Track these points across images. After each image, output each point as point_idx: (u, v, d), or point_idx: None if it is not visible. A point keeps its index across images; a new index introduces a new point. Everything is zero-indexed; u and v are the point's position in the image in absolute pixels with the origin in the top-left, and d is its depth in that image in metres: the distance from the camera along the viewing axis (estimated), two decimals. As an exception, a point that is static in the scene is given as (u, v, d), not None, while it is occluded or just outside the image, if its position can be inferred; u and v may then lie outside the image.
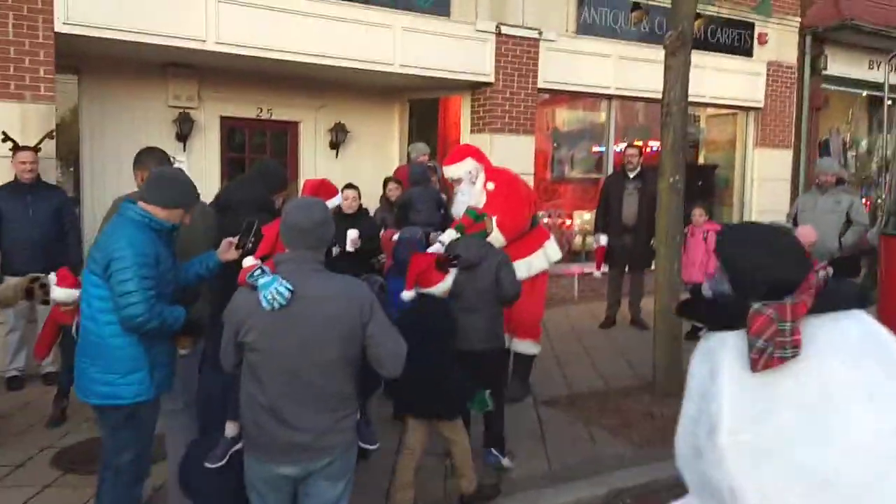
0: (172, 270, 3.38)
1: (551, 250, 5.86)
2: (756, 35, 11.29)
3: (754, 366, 1.91)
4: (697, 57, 10.67)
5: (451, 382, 4.01)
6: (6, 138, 7.17)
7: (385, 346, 2.83)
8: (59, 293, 4.00)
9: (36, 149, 5.97)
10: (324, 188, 5.32)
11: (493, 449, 4.74)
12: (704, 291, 7.11)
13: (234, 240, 3.56)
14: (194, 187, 3.48)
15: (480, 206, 5.54)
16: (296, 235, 2.80)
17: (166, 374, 3.41)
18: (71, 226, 6.02)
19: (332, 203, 5.25)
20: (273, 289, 2.66)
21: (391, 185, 7.15)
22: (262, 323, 2.71)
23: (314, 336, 2.71)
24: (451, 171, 5.61)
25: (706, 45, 10.77)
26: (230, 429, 3.13)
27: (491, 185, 5.58)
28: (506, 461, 4.72)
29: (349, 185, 6.21)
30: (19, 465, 4.61)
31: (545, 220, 10.24)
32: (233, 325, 2.79)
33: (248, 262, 3.04)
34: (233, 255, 3.53)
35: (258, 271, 2.73)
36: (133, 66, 8.08)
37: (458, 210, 5.59)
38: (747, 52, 11.27)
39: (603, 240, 8.43)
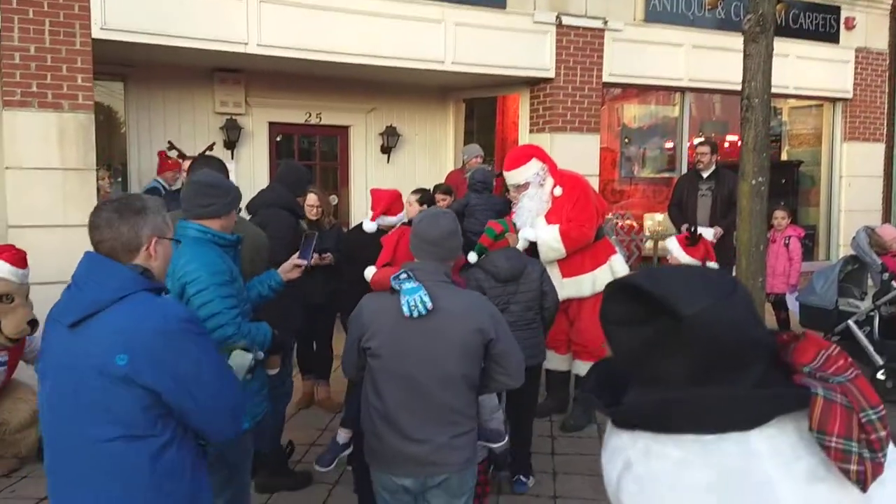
0: (245, 288, 3.12)
1: (618, 265, 5.30)
2: (843, 20, 10.34)
3: (865, 482, 1.10)
4: (779, 44, 9.79)
5: None
6: (172, 147, 7.06)
7: (513, 358, 2.80)
8: None
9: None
10: (398, 202, 4.95)
11: (521, 476, 4.29)
12: (789, 304, 6.28)
13: (298, 259, 3.42)
14: (234, 186, 3.17)
15: (545, 211, 5.03)
16: (426, 246, 2.79)
17: (259, 402, 3.08)
18: None
19: (398, 219, 4.83)
20: (418, 296, 2.62)
21: (438, 197, 6.67)
22: (386, 329, 2.69)
23: (436, 348, 2.67)
24: (515, 177, 5.13)
25: (788, 31, 9.90)
26: (342, 435, 3.13)
27: (559, 191, 5.11)
28: (531, 481, 4.36)
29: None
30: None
31: (616, 223, 9.62)
32: (358, 328, 2.76)
33: (370, 270, 3.18)
34: (296, 273, 3.39)
35: (404, 275, 2.68)
36: (179, 72, 7.86)
37: (522, 218, 5.10)
38: (833, 39, 10.33)
39: (707, 233, 6.99)
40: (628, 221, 9.94)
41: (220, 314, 2.77)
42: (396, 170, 9.14)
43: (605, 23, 8.71)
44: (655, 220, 10.23)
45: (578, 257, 5.05)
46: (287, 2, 7.01)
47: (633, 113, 10.55)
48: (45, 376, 2.08)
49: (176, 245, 2.35)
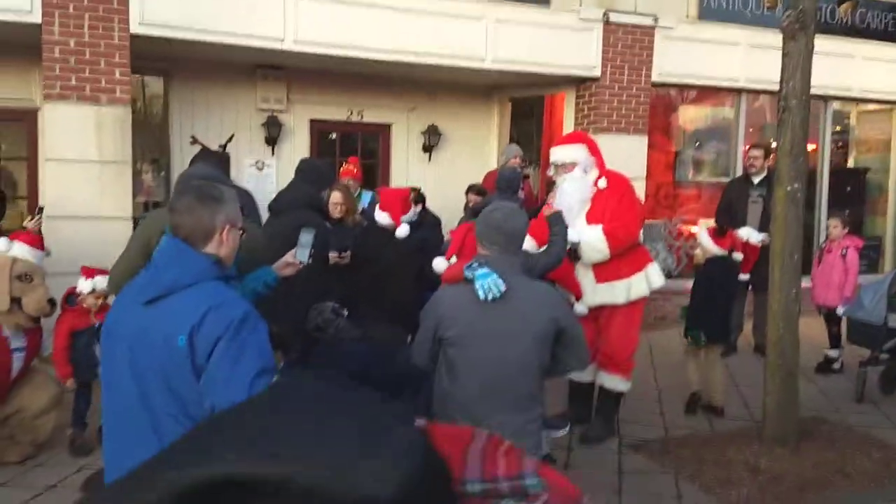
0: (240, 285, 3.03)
1: (654, 275, 5.03)
2: (916, 18, 9.75)
3: None
4: (844, 45, 9.44)
5: None
6: (195, 141, 7.29)
7: (582, 346, 3.00)
8: (86, 285, 4.46)
9: (224, 151, 6.14)
10: (402, 202, 4.80)
11: None
12: (840, 314, 5.88)
13: (292, 257, 3.33)
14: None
15: (588, 199, 4.80)
16: (500, 237, 2.90)
17: None
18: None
19: (409, 217, 4.72)
20: (491, 279, 2.72)
21: (470, 196, 6.53)
22: (465, 318, 2.79)
23: (512, 336, 2.79)
24: (562, 154, 4.87)
25: (854, 30, 9.41)
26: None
27: (603, 183, 4.84)
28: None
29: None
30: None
31: (667, 229, 9.31)
32: (434, 319, 2.87)
33: (440, 263, 3.35)
34: (291, 270, 3.31)
35: (476, 263, 2.80)
36: (222, 68, 7.93)
37: (561, 200, 4.71)
38: (905, 39, 9.74)
39: (754, 236, 6.88)
40: (678, 227, 9.58)
41: None
42: (438, 169, 9.04)
43: (656, 20, 8.41)
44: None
45: (615, 262, 4.80)
46: (324, -2, 7.00)
47: (690, 114, 10.15)
48: (113, 348, 2.18)
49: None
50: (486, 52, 7.65)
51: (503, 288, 2.74)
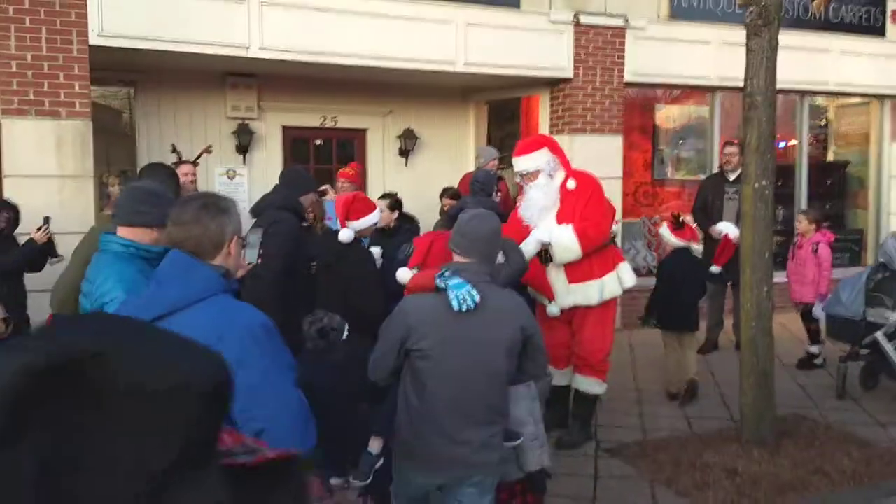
0: None
1: (626, 274, 4.97)
2: (889, 12, 9.73)
3: None
4: (819, 39, 9.41)
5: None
6: (174, 150, 7.17)
7: (543, 353, 2.99)
8: None
9: (195, 163, 6.09)
10: (358, 204, 4.60)
11: None
12: (815, 314, 5.92)
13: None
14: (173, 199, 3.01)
15: (555, 205, 4.72)
16: (472, 245, 2.84)
17: None
18: None
19: (367, 221, 4.52)
20: (466, 290, 2.66)
21: (445, 200, 6.43)
22: (437, 329, 2.71)
23: (486, 346, 2.74)
24: (524, 163, 4.79)
25: (830, 25, 9.40)
26: (375, 445, 3.11)
27: (572, 184, 4.77)
28: None
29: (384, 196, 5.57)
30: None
31: (646, 227, 9.24)
32: (402, 330, 2.75)
33: (404, 274, 3.21)
34: (242, 271, 3.20)
35: (448, 272, 2.73)
36: (190, 78, 7.82)
37: (527, 211, 4.78)
38: (879, 32, 9.74)
39: (732, 230, 6.74)
40: (657, 225, 9.52)
41: None
42: (415, 173, 8.95)
43: (627, 21, 8.36)
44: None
45: (586, 263, 4.73)
46: (289, 4, 6.89)
47: (667, 113, 10.12)
48: None
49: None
50: (456, 55, 7.57)
51: (478, 299, 2.68)
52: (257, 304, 3.69)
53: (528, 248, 4.60)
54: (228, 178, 8.16)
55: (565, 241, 4.66)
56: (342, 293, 4.01)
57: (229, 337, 1.93)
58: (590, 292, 4.81)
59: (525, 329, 2.83)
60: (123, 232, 2.79)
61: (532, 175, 4.76)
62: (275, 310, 3.74)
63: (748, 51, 4.66)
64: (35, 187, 6.04)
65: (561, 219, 4.74)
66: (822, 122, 10.69)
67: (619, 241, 8.42)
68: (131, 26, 6.30)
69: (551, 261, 4.77)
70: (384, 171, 8.89)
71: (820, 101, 10.35)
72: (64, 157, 6.15)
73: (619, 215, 8.64)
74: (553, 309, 4.82)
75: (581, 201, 4.75)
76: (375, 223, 4.53)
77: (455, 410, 2.74)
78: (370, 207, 4.43)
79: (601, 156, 8.39)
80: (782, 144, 9.91)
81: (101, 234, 2.86)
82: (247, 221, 7.56)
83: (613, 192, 8.55)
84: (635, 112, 9.45)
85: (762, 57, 4.57)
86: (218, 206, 2.18)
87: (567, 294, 4.79)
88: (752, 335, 4.70)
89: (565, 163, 4.85)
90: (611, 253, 5.01)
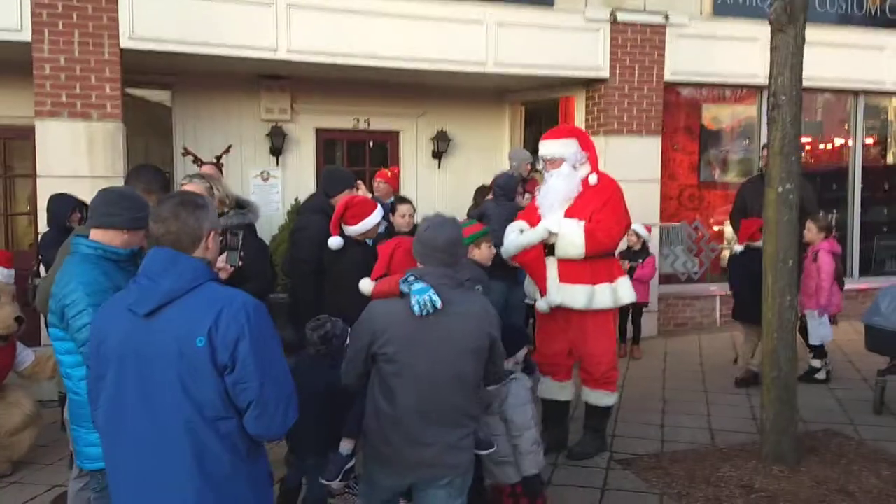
0: None
1: (623, 290, 4.74)
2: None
3: None
4: (874, 36, 8.96)
5: None
6: (186, 153, 7.37)
7: (502, 357, 3.04)
8: None
9: (218, 163, 5.97)
10: (353, 209, 4.52)
11: None
12: (809, 325, 5.68)
13: (223, 261, 3.36)
14: (148, 205, 3.01)
15: (574, 196, 4.59)
16: (432, 253, 2.85)
17: None
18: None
19: (364, 225, 4.45)
20: (427, 296, 2.69)
21: (473, 204, 6.35)
22: (402, 333, 2.74)
23: (452, 349, 2.77)
24: (551, 148, 4.65)
25: (883, 20, 8.94)
26: (345, 446, 3.13)
27: (594, 179, 4.63)
28: None
29: (402, 199, 5.51)
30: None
31: (687, 232, 8.96)
32: (367, 334, 2.79)
33: (366, 284, 3.27)
34: (224, 274, 3.34)
35: (412, 277, 2.76)
36: (224, 80, 7.93)
37: (546, 199, 4.62)
38: (941, 26, 9.20)
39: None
40: (698, 232, 9.19)
41: None
42: (448, 175, 8.90)
43: (667, 18, 8.12)
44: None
45: (579, 266, 4.54)
46: (317, 6, 6.91)
47: (713, 113, 9.80)
48: (110, 366, 2.16)
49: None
50: (486, 55, 7.47)
51: (439, 304, 2.70)
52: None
53: (536, 234, 4.52)
54: (262, 179, 8.26)
55: (572, 236, 4.51)
56: (332, 296, 3.98)
57: (228, 313, 2.06)
58: (577, 296, 4.59)
59: (491, 334, 2.85)
60: (96, 234, 2.81)
61: (556, 162, 4.62)
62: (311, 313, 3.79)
63: (772, 48, 4.44)
64: (67, 188, 6.15)
65: (570, 213, 4.59)
66: (880, 124, 10.18)
67: (655, 246, 8.20)
68: (161, 29, 6.42)
69: (553, 253, 4.62)
70: (417, 174, 8.86)
71: (879, 100, 9.86)
72: (95, 159, 6.30)
73: (656, 219, 8.44)
74: (542, 305, 4.66)
75: (597, 201, 4.59)
76: (376, 224, 4.43)
77: (422, 413, 2.76)
78: (367, 211, 4.35)
79: (637, 158, 8.17)
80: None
81: (73, 237, 2.89)
82: (271, 223, 7.63)
83: (650, 195, 8.33)
84: (680, 112, 9.18)
85: (787, 54, 4.34)
86: (195, 202, 2.27)
87: (556, 292, 4.61)
88: (774, 347, 4.46)
89: (593, 160, 4.70)
90: (610, 264, 4.76)
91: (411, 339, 2.74)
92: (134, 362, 2.11)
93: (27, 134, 7.23)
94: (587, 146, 4.73)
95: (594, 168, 4.69)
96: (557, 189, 4.61)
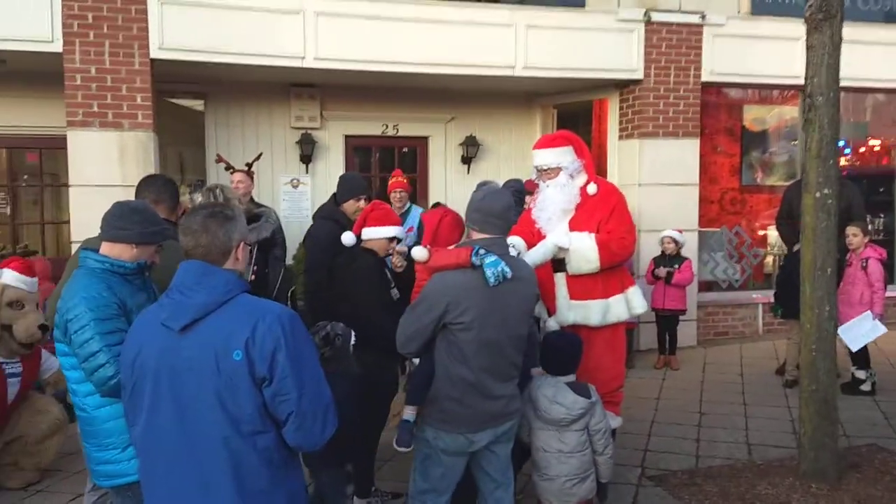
0: None
1: (636, 300, 4.46)
2: None
3: None
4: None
5: None
6: (220, 160, 7.45)
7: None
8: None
9: (249, 171, 6.08)
10: (377, 212, 4.41)
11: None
12: (844, 338, 5.35)
13: None
14: (161, 220, 2.98)
15: (573, 207, 4.32)
16: (488, 219, 3.08)
17: None
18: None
19: (378, 232, 4.30)
20: (500, 267, 2.95)
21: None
22: (477, 302, 2.96)
23: (515, 313, 3.07)
24: (545, 157, 4.30)
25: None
26: (409, 412, 3.23)
27: (593, 188, 4.33)
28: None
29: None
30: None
31: (728, 237, 8.70)
32: (441, 305, 2.96)
33: (420, 252, 3.25)
34: None
35: (482, 250, 2.97)
36: (255, 88, 7.97)
37: (543, 213, 4.34)
38: None
39: None
40: (739, 237, 8.90)
41: (99, 353, 2.56)
42: (478, 181, 8.75)
43: (703, 17, 7.91)
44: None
45: (590, 280, 4.28)
46: (344, 14, 6.89)
47: (754, 115, 9.52)
48: (146, 381, 2.16)
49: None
50: (515, 59, 7.36)
51: (510, 274, 2.96)
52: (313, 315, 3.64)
53: (544, 251, 4.22)
54: (293, 186, 8.26)
55: (585, 251, 4.23)
56: (344, 301, 3.92)
57: (264, 325, 2.07)
58: (590, 312, 4.32)
59: (537, 293, 3.29)
60: (105, 247, 2.78)
61: (551, 172, 4.32)
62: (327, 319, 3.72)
63: (808, 47, 4.23)
64: (99, 197, 6.23)
65: (574, 226, 4.31)
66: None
67: (693, 252, 7.97)
68: (190, 39, 6.46)
69: (564, 270, 4.35)
70: (446, 179, 8.77)
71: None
72: (127, 168, 6.35)
73: (694, 224, 8.20)
74: (551, 323, 4.36)
75: (601, 211, 4.32)
76: (388, 238, 4.23)
77: (490, 372, 3.04)
78: (387, 220, 4.18)
79: (674, 161, 7.97)
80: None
81: (81, 251, 2.87)
82: (301, 229, 7.59)
83: (688, 199, 8.11)
84: (720, 114, 8.95)
85: (823, 53, 4.13)
86: (224, 214, 2.28)
87: (568, 310, 4.33)
88: (813, 359, 4.25)
89: (589, 168, 4.43)
90: (621, 274, 4.50)
91: (485, 308, 2.97)
92: (168, 378, 2.10)
93: (61, 143, 7.36)
94: (582, 153, 4.43)
95: (591, 177, 4.42)
96: (555, 200, 4.31)
